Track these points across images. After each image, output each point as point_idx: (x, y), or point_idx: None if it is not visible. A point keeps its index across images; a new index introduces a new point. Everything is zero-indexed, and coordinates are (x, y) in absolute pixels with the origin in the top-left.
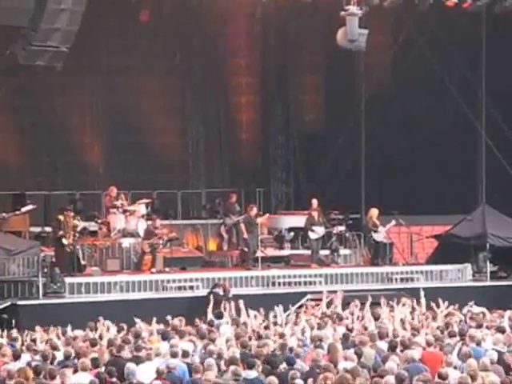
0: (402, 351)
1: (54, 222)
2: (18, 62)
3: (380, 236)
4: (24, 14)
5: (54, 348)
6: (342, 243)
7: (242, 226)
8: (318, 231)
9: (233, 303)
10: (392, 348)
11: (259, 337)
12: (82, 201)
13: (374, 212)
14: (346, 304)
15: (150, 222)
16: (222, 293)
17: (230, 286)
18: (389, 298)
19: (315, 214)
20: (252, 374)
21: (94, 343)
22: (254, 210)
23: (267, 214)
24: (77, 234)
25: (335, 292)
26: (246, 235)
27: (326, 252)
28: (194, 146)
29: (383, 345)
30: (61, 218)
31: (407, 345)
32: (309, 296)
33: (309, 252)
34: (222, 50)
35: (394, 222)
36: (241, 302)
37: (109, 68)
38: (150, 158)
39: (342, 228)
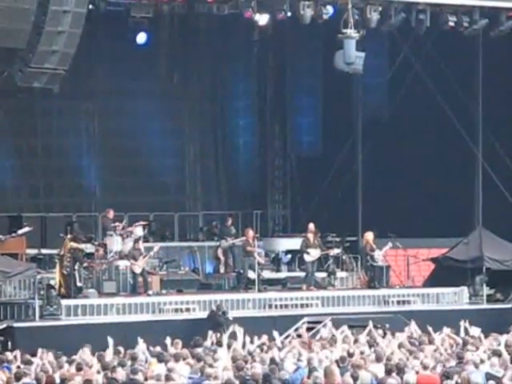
0: (397, 374)
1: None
2: (16, 83)
3: (378, 260)
4: (21, 36)
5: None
6: (339, 266)
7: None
8: (313, 254)
9: (231, 327)
10: (388, 371)
11: (254, 360)
12: (78, 223)
13: (370, 236)
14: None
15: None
16: (221, 315)
17: (226, 308)
18: (385, 321)
19: (311, 236)
20: None
21: (79, 367)
22: (251, 233)
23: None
24: (75, 256)
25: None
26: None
27: (323, 274)
28: (191, 168)
29: (379, 368)
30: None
31: (403, 368)
32: (305, 319)
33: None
34: (219, 72)
35: (390, 245)
36: (236, 327)
37: (106, 90)
38: (147, 180)
39: (338, 250)
